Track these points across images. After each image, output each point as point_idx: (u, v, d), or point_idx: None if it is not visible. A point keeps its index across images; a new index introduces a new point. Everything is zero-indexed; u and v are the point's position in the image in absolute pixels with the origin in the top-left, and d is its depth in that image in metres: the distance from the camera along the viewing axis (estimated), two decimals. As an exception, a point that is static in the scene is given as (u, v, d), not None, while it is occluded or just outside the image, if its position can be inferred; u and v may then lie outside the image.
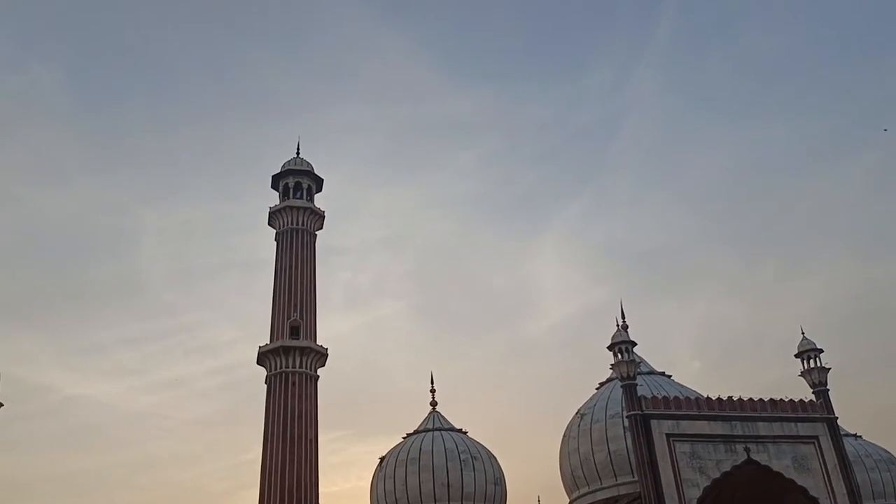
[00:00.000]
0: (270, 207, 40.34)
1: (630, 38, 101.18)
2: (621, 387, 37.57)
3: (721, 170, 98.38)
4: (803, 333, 41.24)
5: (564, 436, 44.44)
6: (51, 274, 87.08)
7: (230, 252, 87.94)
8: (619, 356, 37.94)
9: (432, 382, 48.02)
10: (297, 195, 40.54)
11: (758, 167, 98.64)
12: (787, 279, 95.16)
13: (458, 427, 44.96)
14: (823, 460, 36.67)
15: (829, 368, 39.57)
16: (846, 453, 37.45)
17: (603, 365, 45.90)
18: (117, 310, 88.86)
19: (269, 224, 40.52)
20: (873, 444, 45.48)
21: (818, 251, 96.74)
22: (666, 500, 34.11)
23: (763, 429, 36.84)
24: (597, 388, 46.02)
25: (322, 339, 36.89)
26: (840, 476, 36.35)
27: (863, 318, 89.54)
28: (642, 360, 42.82)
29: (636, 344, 38.57)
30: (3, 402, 40.87)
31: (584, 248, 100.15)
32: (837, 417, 38.10)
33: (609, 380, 44.91)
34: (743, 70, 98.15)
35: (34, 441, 76.53)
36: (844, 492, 35.98)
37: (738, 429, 36.61)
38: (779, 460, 36.27)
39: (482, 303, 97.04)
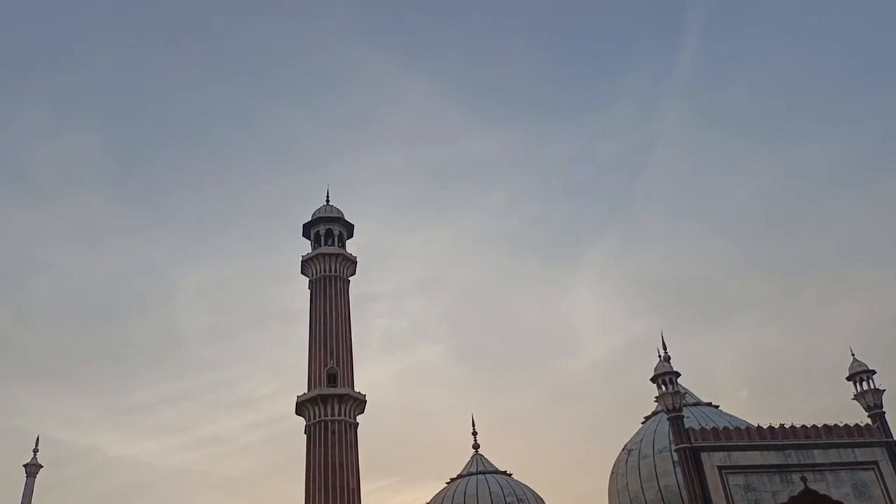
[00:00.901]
0: (303, 256, 40.43)
1: (652, 69, 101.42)
2: (668, 419, 36.55)
3: (753, 196, 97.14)
4: (853, 355, 39.94)
5: (612, 473, 43.29)
6: (89, 336, 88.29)
7: (265, 304, 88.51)
8: (664, 388, 36.98)
9: (473, 425, 47.33)
10: (328, 242, 40.62)
11: (790, 191, 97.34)
12: (830, 303, 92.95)
13: (502, 469, 44.05)
14: (885, 487, 35.13)
15: (884, 390, 38.16)
16: (909, 478, 35.88)
17: (647, 399, 44.90)
18: (156, 368, 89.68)
19: (302, 272, 40.57)
20: (936, 468, 43.39)
21: (858, 273, 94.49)
22: (723, 536, 32.91)
23: (819, 456, 35.50)
24: (642, 423, 44.89)
25: (360, 386, 36.63)
26: (904, 502, 34.81)
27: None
28: (687, 392, 41.70)
29: (680, 374, 37.60)
30: (42, 464, 41.22)
31: (619, 281, 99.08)
32: (897, 441, 36.61)
33: (654, 413, 43.82)
34: (768, 95, 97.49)
35: (80, 502, 76.59)
36: (910, 519, 34.43)
37: (794, 457, 35.31)
38: (838, 489, 34.83)
39: (521, 342, 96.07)
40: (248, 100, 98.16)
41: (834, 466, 35.34)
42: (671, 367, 37.56)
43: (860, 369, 38.96)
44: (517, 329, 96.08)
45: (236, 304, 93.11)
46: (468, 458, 45.63)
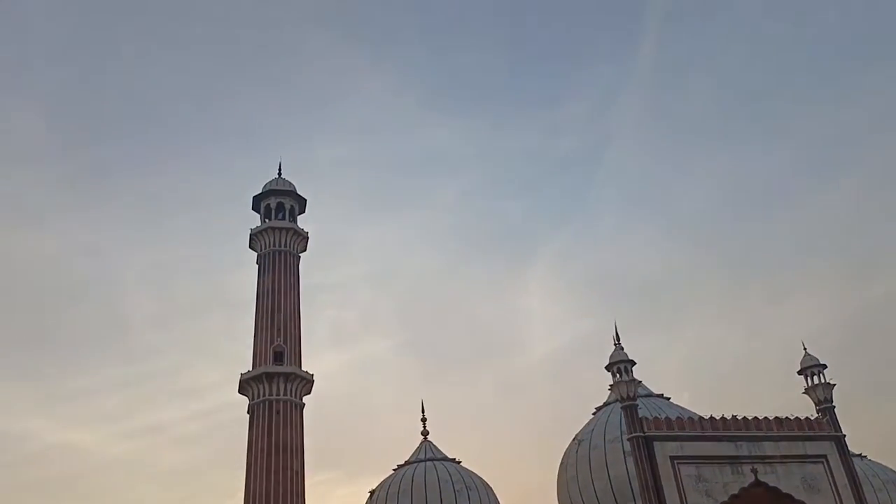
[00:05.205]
0: (252, 229, 38.77)
1: (611, 64, 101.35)
2: (622, 408, 36.02)
3: (706, 195, 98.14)
4: (805, 349, 40.04)
5: (562, 463, 42.72)
6: (27, 318, 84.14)
7: (213, 291, 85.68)
8: (619, 376, 36.46)
9: (423, 411, 46.28)
10: (279, 216, 39.06)
11: (743, 191, 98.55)
12: (779, 303, 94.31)
13: (451, 457, 43.08)
14: (833, 480, 35.21)
15: (835, 384, 38.32)
16: (856, 472, 36.04)
17: (597, 394, 44.60)
18: (98, 354, 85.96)
19: (251, 247, 38.89)
20: (879, 465, 44.09)
21: (809, 273, 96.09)
22: (673, 526, 32.47)
23: (770, 449, 35.38)
24: (594, 413, 44.45)
25: (307, 369, 35.09)
26: (851, 496, 34.93)
27: (858, 338, 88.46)
28: (640, 383, 41.23)
29: (635, 363, 37.12)
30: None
31: (571, 279, 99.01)
32: (846, 435, 36.72)
33: (606, 404, 43.41)
34: (725, 95, 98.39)
35: (9, 491, 72.81)
36: (856, 512, 34.53)
37: (745, 449, 35.12)
38: (788, 481, 34.75)
39: (471, 337, 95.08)
40: (201, 79, 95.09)
41: (784, 459, 35.25)
42: (626, 356, 37.05)
43: (812, 363, 39.06)
44: (467, 324, 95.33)
45: (183, 290, 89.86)
46: (416, 447, 44.59)
